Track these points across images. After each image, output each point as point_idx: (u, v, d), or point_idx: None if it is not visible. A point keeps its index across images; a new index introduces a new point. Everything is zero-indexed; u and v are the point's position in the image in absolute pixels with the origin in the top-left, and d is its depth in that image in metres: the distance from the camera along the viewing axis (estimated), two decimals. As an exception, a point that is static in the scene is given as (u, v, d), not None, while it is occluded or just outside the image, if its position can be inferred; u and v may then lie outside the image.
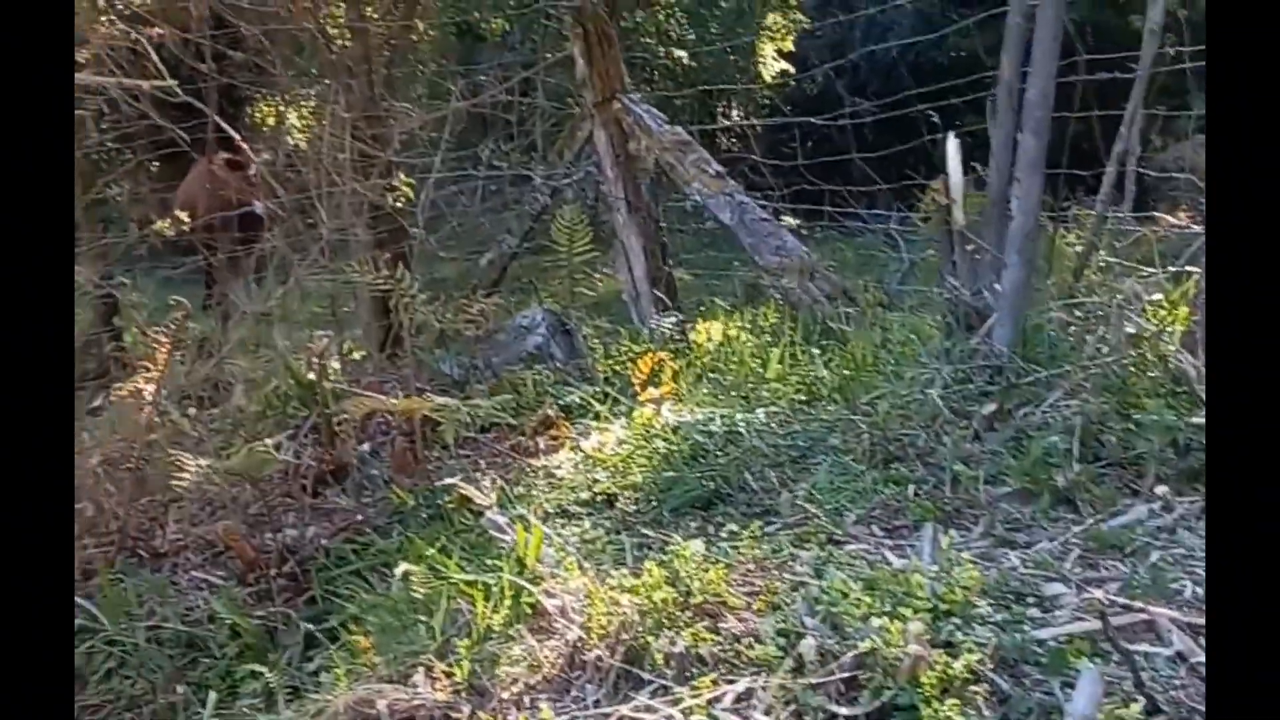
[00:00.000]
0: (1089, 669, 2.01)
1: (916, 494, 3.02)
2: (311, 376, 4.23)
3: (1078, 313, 3.50)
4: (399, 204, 5.00)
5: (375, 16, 5.56)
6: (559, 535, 2.94)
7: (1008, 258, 3.48)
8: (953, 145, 3.93)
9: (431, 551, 3.00)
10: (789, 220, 11.24)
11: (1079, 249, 4.00)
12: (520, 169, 5.98)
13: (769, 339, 4.67)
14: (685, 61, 13.10)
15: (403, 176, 5.08)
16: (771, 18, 14.66)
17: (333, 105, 5.06)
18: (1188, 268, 3.36)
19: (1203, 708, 2.10)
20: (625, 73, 5.69)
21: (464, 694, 2.39)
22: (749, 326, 4.88)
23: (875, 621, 2.20)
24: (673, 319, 4.98)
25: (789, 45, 14.18)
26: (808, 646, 2.21)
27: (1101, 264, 3.78)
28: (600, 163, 5.53)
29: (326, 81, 5.38)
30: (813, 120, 6.16)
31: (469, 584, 2.71)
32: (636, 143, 5.41)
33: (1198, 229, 3.14)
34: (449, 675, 2.44)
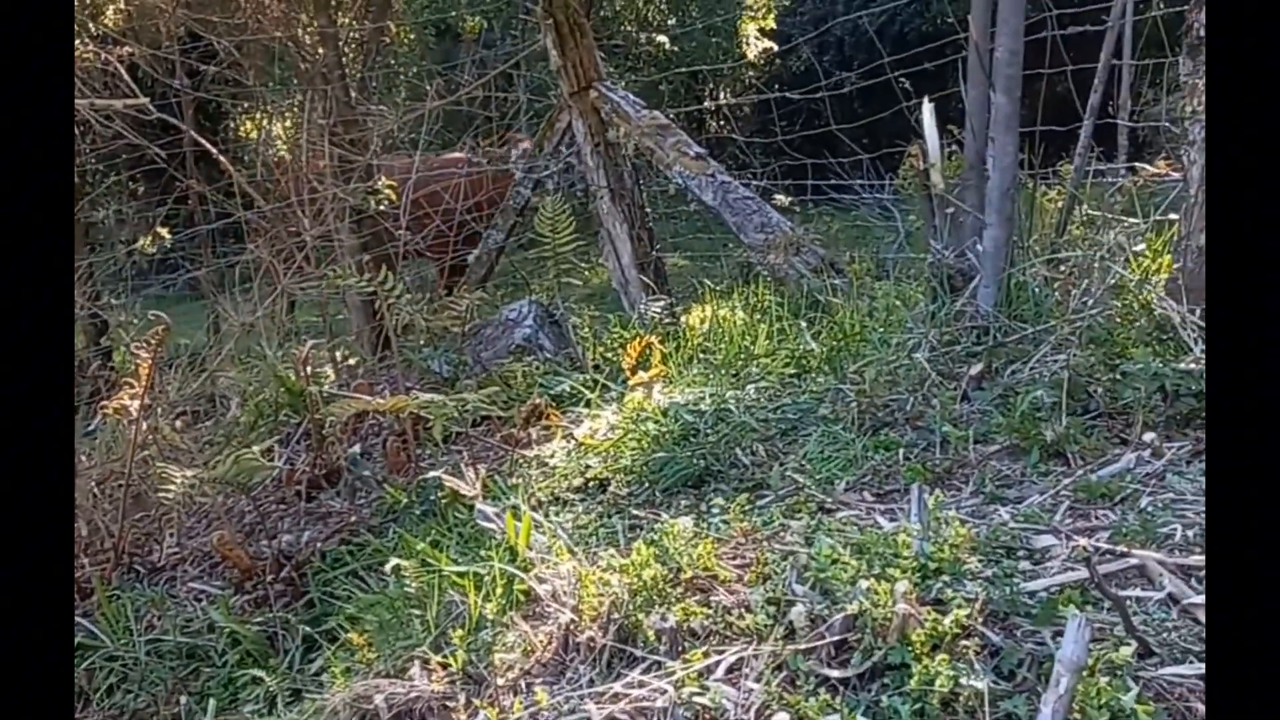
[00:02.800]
0: (1076, 615, 1.99)
1: (907, 458, 3.01)
2: (301, 383, 4.23)
3: (1061, 268, 3.48)
4: (381, 206, 4.99)
5: (346, 23, 5.55)
6: (552, 522, 2.94)
7: (987, 218, 3.47)
8: (928, 110, 3.91)
9: (423, 546, 3.00)
10: (781, 198, 11.25)
11: (1061, 205, 3.98)
12: (501, 164, 5.97)
13: (758, 316, 4.66)
14: (668, 47, 13.06)
15: (384, 179, 5.07)
16: (753, -2, 14.62)
17: (309, 112, 5.06)
18: (1170, 215, 3.33)
19: (1196, 648, 2.09)
20: (600, 61, 5.67)
21: (460, 683, 2.39)
22: (740, 305, 4.86)
23: (864, 584, 2.19)
24: (662, 303, 4.96)
25: (771, 23, 14.14)
26: (798, 613, 2.21)
27: (1084, 218, 3.75)
28: (580, 152, 5.52)
29: (303, 90, 5.37)
30: (790, 95, 6.12)
31: (461, 575, 2.71)
32: (615, 130, 5.40)
33: (1176, 177, 3.12)
34: (444, 666, 2.44)
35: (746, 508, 2.77)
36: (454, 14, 11.06)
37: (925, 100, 3.93)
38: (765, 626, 2.21)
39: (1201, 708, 1.99)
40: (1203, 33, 2.96)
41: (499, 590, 2.57)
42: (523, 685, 2.32)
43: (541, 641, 2.41)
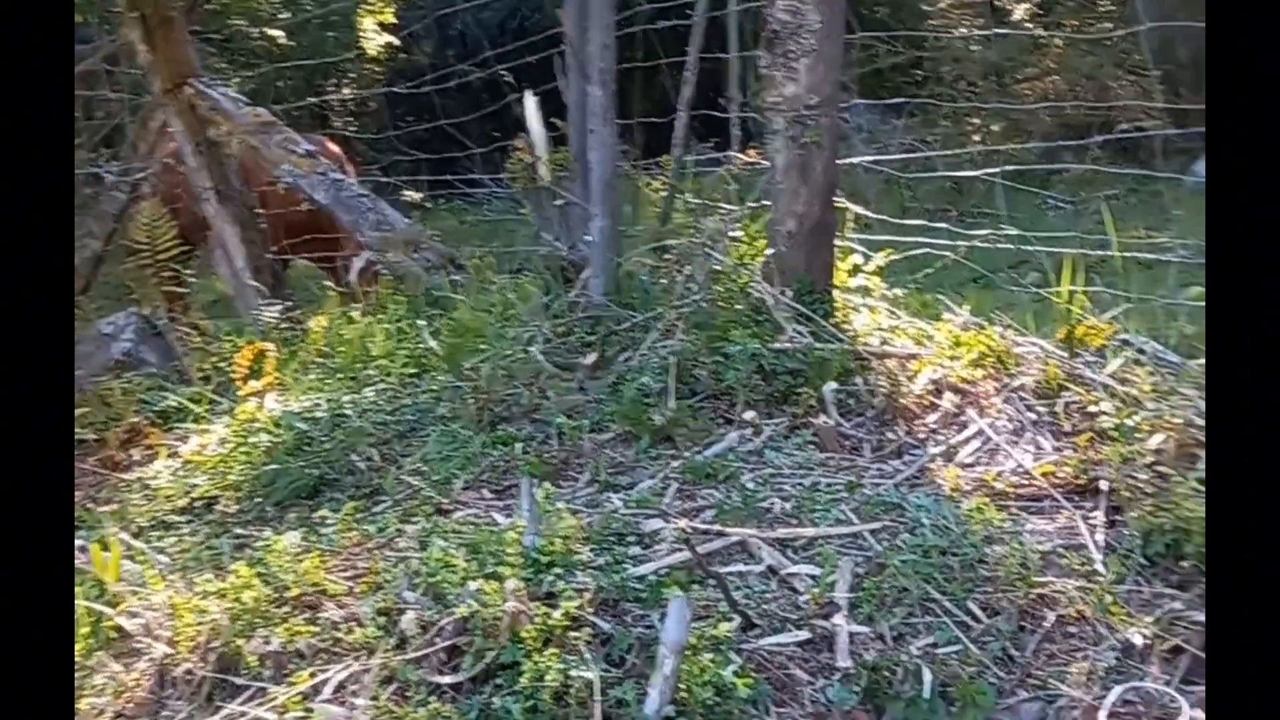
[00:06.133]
0: (677, 597, 2.03)
1: (526, 452, 3.00)
2: None
3: (666, 255, 3.57)
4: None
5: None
6: (149, 549, 2.72)
7: (593, 209, 3.51)
8: (531, 103, 3.92)
9: None
10: (412, 194, 11.06)
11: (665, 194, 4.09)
12: (91, 166, 5.53)
13: (380, 316, 4.53)
14: (282, 41, 12.56)
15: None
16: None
17: None
18: (762, 202, 3.48)
19: (793, 616, 2.18)
20: (203, 56, 5.36)
21: (41, 738, 2.16)
22: (361, 307, 4.72)
23: (473, 585, 2.15)
24: (278, 307, 4.74)
25: (389, 17, 13.88)
26: (408, 621, 2.14)
27: (687, 206, 3.87)
28: (181, 152, 5.19)
29: None
30: (397, 90, 6.01)
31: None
32: (216, 128, 5.11)
33: (766, 164, 3.26)
34: (23, 721, 2.20)
35: (360, 516, 2.67)
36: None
37: (528, 94, 3.94)
38: (375, 639, 2.12)
39: (800, 673, 2.08)
40: (776, 27, 3.10)
41: (84, 630, 2.35)
42: (114, 730, 2.13)
43: (135, 679, 2.22)
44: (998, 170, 4.37)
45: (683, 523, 2.39)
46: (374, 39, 13.29)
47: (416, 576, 2.27)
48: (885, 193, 5.47)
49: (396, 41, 13.49)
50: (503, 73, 5.13)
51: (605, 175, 3.45)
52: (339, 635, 2.17)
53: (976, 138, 8.77)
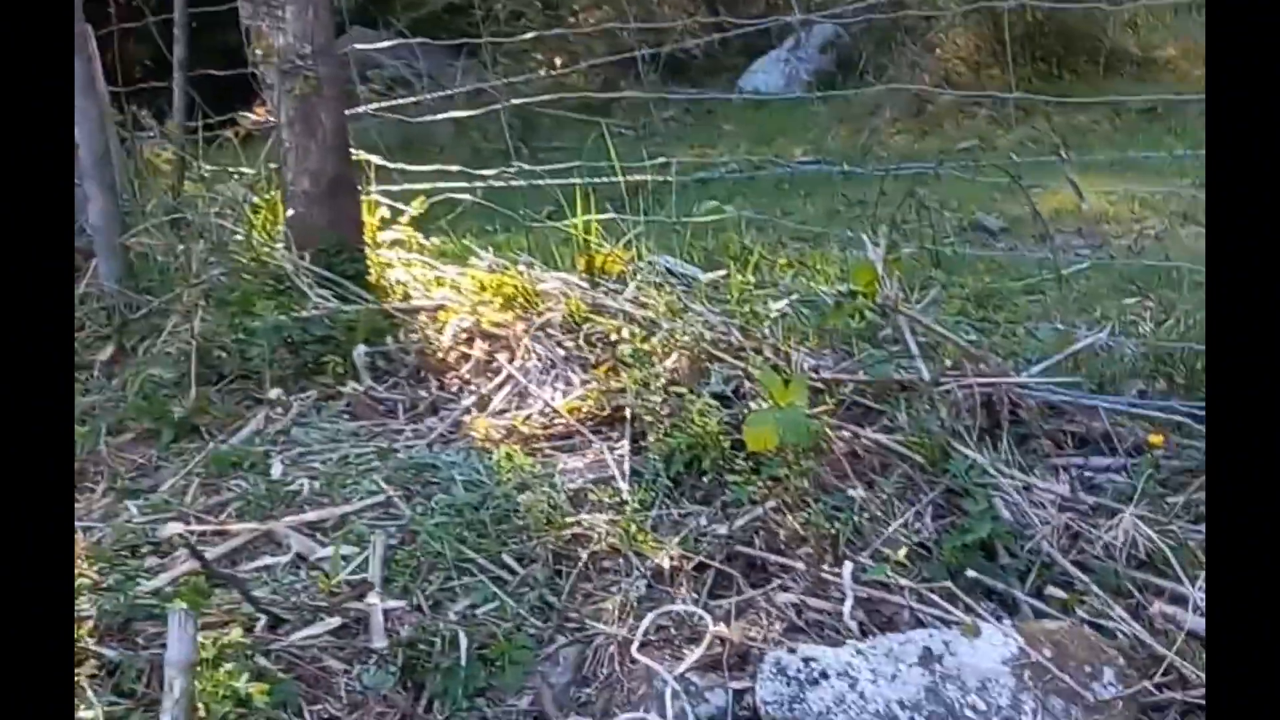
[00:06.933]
0: (174, 611, 1.85)
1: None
2: None
3: (181, 231, 3.30)
4: None
5: None
6: None
7: (88, 189, 3.19)
8: None
9: None
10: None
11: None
12: None
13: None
14: None
15: None
16: None
17: None
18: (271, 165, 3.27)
19: (324, 604, 2.05)
20: None
21: None
22: None
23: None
24: None
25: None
26: None
27: (202, 175, 3.59)
28: None
29: None
30: None
31: None
32: None
33: (273, 121, 3.05)
34: None
35: None
36: None
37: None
38: None
39: (334, 663, 1.96)
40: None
41: None
42: None
43: None
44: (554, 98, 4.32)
45: (178, 529, 2.20)
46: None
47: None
48: (457, 135, 5.34)
49: None
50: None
51: (96, 151, 3.13)
52: None
53: (542, 72, 8.76)
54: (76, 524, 2.35)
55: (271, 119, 3.17)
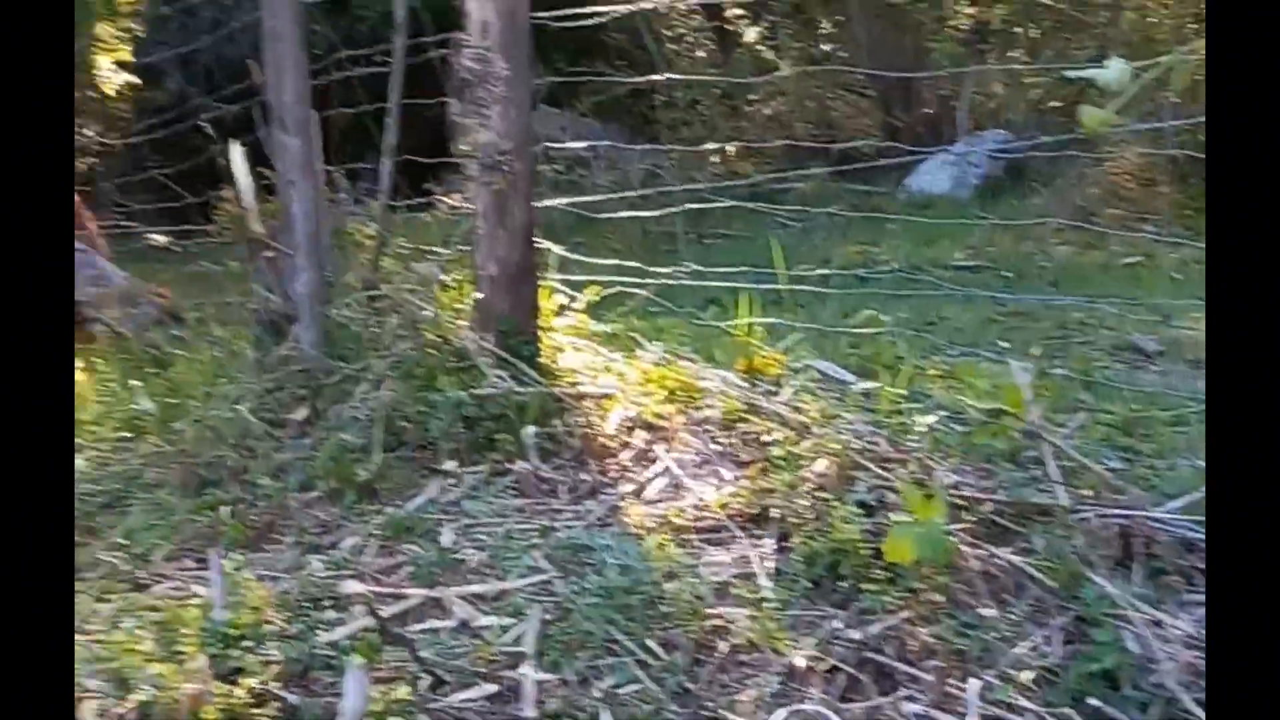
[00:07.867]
0: (353, 665, 2.05)
1: (232, 516, 2.95)
2: None
3: (377, 304, 3.57)
4: None
5: None
6: None
7: (298, 260, 3.49)
8: (237, 153, 3.86)
9: None
10: (158, 238, 10.60)
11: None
12: None
13: (94, 377, 4.38)
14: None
15: None
16: (101, 28, 13.66)
17: None
18: (461, 248, 3.53)
19: (481, 670, 2.22)
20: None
21: None
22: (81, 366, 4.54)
23: (156, 668, 2.12)
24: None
25: (128, 55, 13.30)
26: (88, 710, 2.09)
27: (399, 252, 3.87)
28: None
29: None
30: (104, 141, 5.79)
31: None
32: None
33: (469, 208, 3.30)
34: None
35: (49, 600, 2.58)
36: None
37: (233, 143, 3.88)
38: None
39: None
40: (466, 75, 3.16)
41: None
42: None
43: None
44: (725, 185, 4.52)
45: (360, 588, 2.41)
46: (111, 78, 12.69)
47: (99, 661, 2.22)
48: (624, 221, 5.60)
49: (137, 80, 12.93)
50: (197, 124, 5.00)
51: (309, 227, 3.43)
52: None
53: (715, 159, 9.02)
54: (264, 572, 2.59)
55: (466, 205, 3.43)
